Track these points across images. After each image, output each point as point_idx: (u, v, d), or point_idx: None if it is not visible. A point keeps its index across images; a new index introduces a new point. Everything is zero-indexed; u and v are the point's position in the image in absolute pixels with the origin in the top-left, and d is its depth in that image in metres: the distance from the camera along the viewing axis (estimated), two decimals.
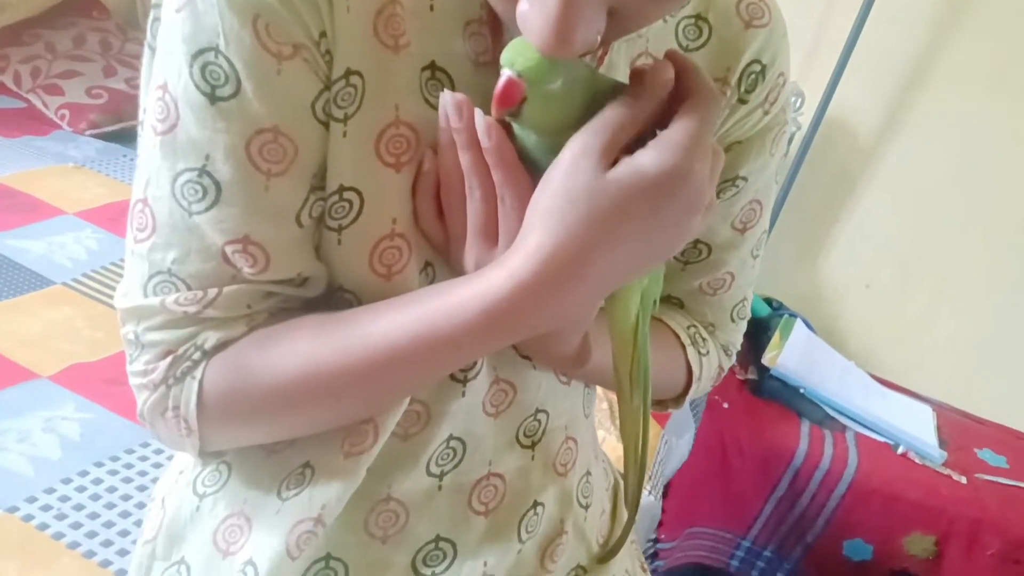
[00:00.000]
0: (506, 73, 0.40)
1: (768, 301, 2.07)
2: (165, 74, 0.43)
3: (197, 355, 0.47)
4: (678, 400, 0.69)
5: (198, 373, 0.47)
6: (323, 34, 0.43)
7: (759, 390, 1.79)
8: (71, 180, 1.57)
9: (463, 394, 0.53)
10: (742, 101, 0.56)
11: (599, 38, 0.39)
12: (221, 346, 0.48)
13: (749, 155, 0.59)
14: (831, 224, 2.02)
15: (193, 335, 0.47)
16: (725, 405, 1.71)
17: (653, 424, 1.30)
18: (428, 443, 0.53)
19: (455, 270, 0.48)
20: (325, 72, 0.44)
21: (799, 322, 1.96)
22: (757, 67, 0.56)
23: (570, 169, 0.40)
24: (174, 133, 0.43)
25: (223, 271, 0.46)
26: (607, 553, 0.63)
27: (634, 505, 0.62)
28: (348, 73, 0.44)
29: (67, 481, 0.86)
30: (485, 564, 0.55)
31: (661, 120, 0.42)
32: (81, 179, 1.59)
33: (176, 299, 0.46)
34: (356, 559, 0.53)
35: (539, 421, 0.58)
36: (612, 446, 1.18)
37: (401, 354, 0.45)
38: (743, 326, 0.71)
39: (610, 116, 0.41)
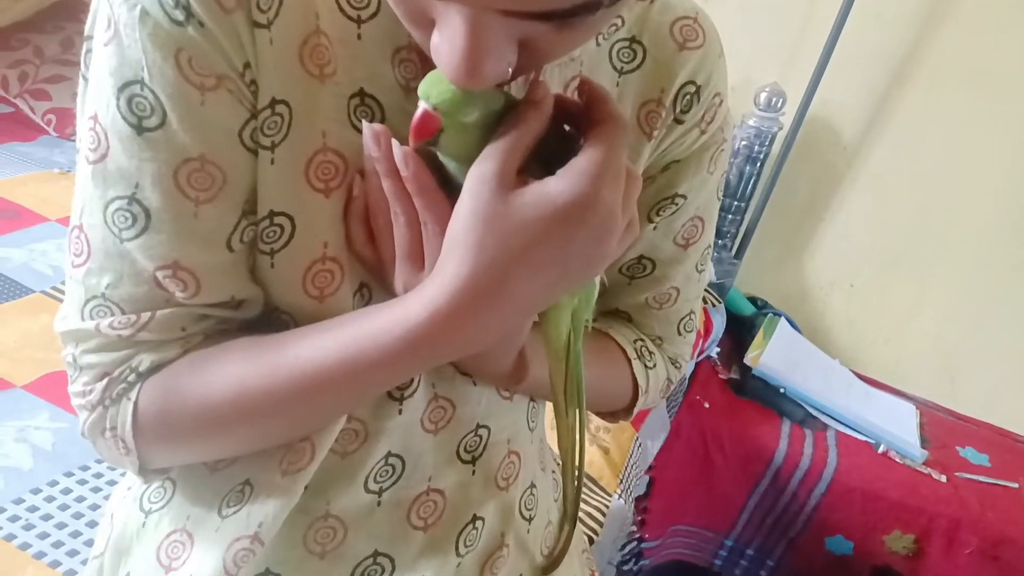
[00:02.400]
0: (422, 106, 0.41)
1: (753, 300, 2.08)
2: (95, 105, 0.45)
3: (132, 377, 0.49)
4: (627, 412, 0.71)
5: (133, 395, 0.49)
6: (247, 65, 0.44)
7: (741, 390, 1.80)
8: (56, 186, 1.58)
9: (400, 412, 0.54)
10: (678, 121, 0.58)
11: (510, 70, 0.40)
12: (155, 368, 0.49)
13: (687, 174, 0.61)
14: (815, 223, 2.02)
15: (128, 358, 0.49)
16: (707, 405, 1.72)
17: (627, 428, 1.31)
18: (366, 460, 0.54)
19: (389, 292, 0.49)
20: (251, 101, 0.45)
21: (783, 321, 1.97)
22: (692, 88, 0.57)
23: (473, 197, 0.42)
24: (105, 163, 0.45)
25: (156, 295, 0.47)
26: (550, 564, 0.64)
27: (572, 517, 0.63)
28: (274, 102, 0.45)
29: (36, 491, 0.87)
30: None
31: (569, 143, 0.43)
32: (66, 185, 1.60)
33: (111, 323, 0.47)
34: (294, 574, 0.54)
35: (480, 436, 0.59)
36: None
37: (327, 376, 0.46)
38: (691, 339, 0.73)
39: (499, 141, 0.42)
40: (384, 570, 0.56)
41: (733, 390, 1.81)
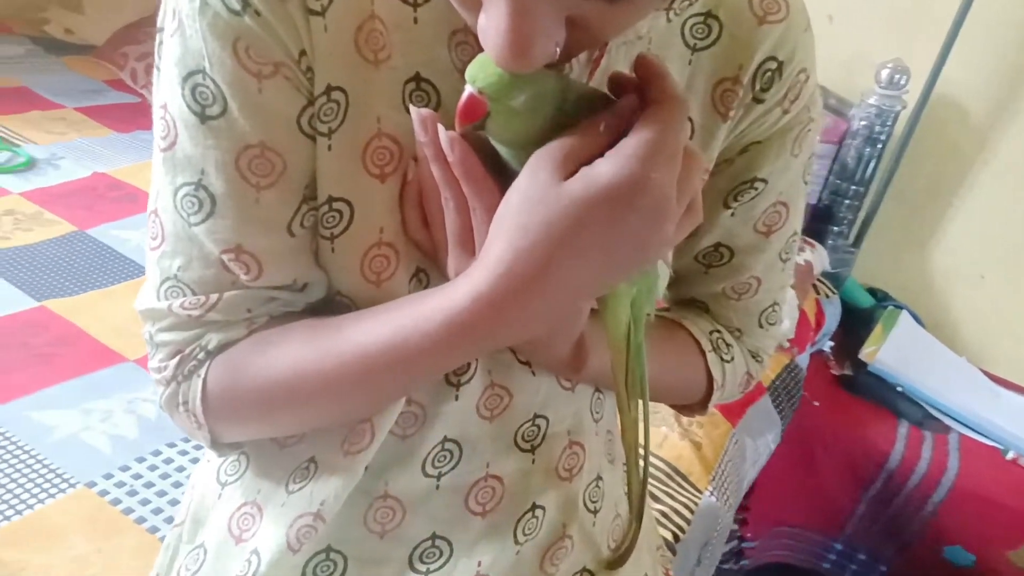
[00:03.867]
0: (468, 89, 0.40)
1: (872, 292, 1.96)
2: (165, 94, 0.47)
3: (201, 355, 0.51)
4: (702, 406, 0.68)
5: (202, 372, 0.51)
6: (303, 52, 0.45)
7: (854, 387, 1.70)
8: None
9: (456, 397, 0.54)
10: (757, 100, 0.54)
11: (558, 50, 0.38)
12: (222, 347, 0.51)
13: (768, 156, 0.57)
14: (941, 209, 1.88)
15: (198, 337, 0.51)
16: (816, 403, 1.64)
17: (721, 422, 1.26)
18: (424, 444, 0.54)
19: (446, 277, 0.49)
20: (308, 88, 0.46)
21: (904, 314, 1.85)
22: (773, 64, 0.53)
23: (527, 181, 0.41)
24: (174, 150, 0.47)
25: (223, 277, 0.49)
26: (615, 559, 0.62)
27: (637, 514, 0.61)
28: (329, 89, 0.46)
29: (140, 460, 0.93)
30: (480, 564, 0.56)
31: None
32: None
33: (182, 303, 0.49)
34: (355, 552, 0.55)
35: (538, 427, 0.57)
36: (673, 444, 1.15)
37: (374, 362, 0.46)
38: (775, 332, 0.69)
39: (575, 134, 0.41)
40: (442, 553, 0.56)
41: (845, 387, 1.72)
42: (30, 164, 1.59)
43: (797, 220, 0.63)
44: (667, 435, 1.17)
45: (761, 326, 0.67)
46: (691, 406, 0.69)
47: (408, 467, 0.54)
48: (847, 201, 1.84)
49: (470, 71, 0.40)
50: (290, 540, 0.52)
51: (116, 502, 0.86)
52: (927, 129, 1.79)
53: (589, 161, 0.40)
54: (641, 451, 0.57)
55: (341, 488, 0.52)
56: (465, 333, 0.43)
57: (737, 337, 0.67)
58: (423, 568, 0.55)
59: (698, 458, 1.12)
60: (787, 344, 1.52)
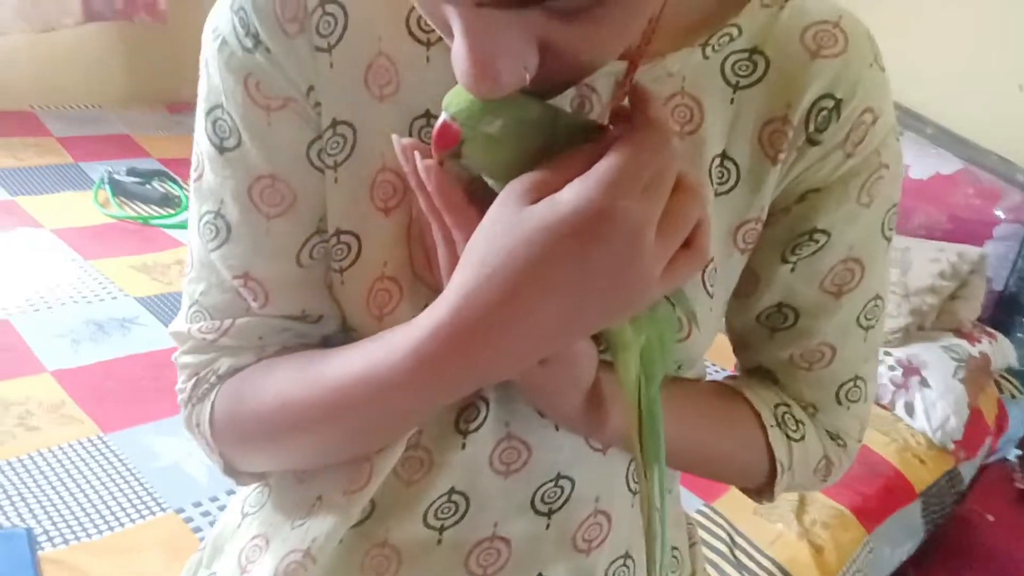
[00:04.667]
0: (442, 116, 0.40)
1: None
2: (197, 134, 0.50)
3: (213, 379, 0.52)
4: (767, 491, 0.59)
5: (212, 396, 0.52)
6: (311, 87, 0.46)
7: None
8: None
9: (463, 446, 0.51)
10: (812, 142, 0.49)
11: (527, 75, 0.37)
12: (232, 373, 0.52)
13: (829, 205, 0.51)
14: None
15: (212, 361, 0.52)
16: (990, 517, 1.41)
17: (855, 525, 1.12)
18: (427, 492, 0.52)
19: None
20: (316, 122, 0.47)
21: None
22: (829, 102, 0.48)
23: (495, 209, 0.39)
24: (201, 181, 0.50)
25: (236, 304, 0.51)
26: None
27: None
28: (336, 123, 0.47)
29: (231, 492, 0.96)
30: None
31: None
32: None
33: (200, 327, 0.52)
34: None
35: (560, 488, 0.53)
36: (788, 543, 1.02)
37: (350, 394, 0.45)
38: (859, 412, 0.59)
39: (549, 164, 0.39)
40: None
41: None
42: None
43: (878, 282, 0.55)
44: (782, 532, 1.05)
45: (840, 403, 0.58)
46: (755, 490, 0.61)
47: (410, 515, 0.52)
48: None
49: (446, 98, 0.40)
50: (278, 575, 0.51)
51: (197, 529, 0.90)
52: None
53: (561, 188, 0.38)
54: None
55: (333, 528, 0.51)
56: (430, 365, 0.41)
57: (811, 415, 0.59)
58: None
59: (817, 563, 0.99)
60: (952, 446, 1.33)
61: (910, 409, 1.39)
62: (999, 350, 1.54)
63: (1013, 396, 1.57)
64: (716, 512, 1.07)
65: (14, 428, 1.03)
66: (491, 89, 0.36)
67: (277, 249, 0.48)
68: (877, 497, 1.16)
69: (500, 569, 0.52)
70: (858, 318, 0.55)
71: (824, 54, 0.48)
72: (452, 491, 0.51)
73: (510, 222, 0.38)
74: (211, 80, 0.47)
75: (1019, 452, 1.57)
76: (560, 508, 0.53)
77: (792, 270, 0.53)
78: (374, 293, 0.48)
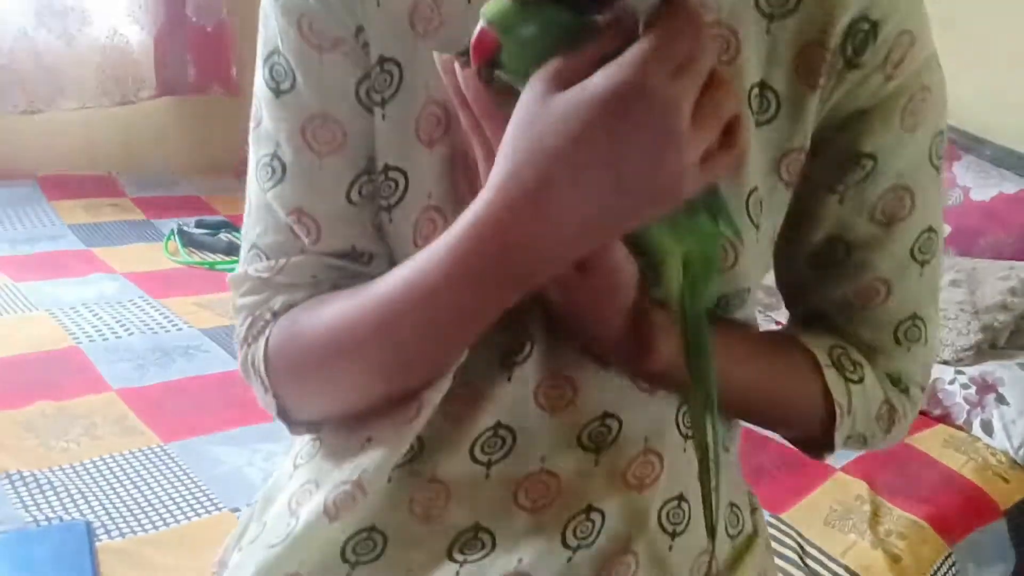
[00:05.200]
0: (479, 24, 0.41)
1: None
2: (256, 83, 0.53)
3: (268, 316, 0.54)
4: (825, 443, 0.57)
5: (267, 332, 0.53)
6: (360, 28, 0.49)
7: None
8: None
9: (509, 379, 0.51)
10: (852, 65, 0.49)
11: None
12: (286, 309, 0.53)
13: (873, 128, 0.51)
14: None
15: (268, 299, 0.54)
16: None
17: (934, 537, 1.05)
18: (474, 427, 0.52)
19: None
20: (365, 62, 0.50)
21: None
22: (865, 25, 0.48)
23: (523, 101, 0.40)
24: (259, 128, 0.53)
25: (291, 243, 0.52)
26: None
27: (710, 532, 0.51)
28: (383, 60, 0.49)
29: None
30: (520, 561, 0.50)
31: None
32: None
33: (256, 267, 0.54)
34: (396, 534, 0.52)
35: (608, 427, 0.52)
36: (862, 552, 0.96)
37: (398, 303, 0.46)
38: (921, 355, 0.57)
39: (570, 52, 0.39)
40: (484, 545, 0.51)
41: None
42: None
43: (931, 213, 0.54)
44: (855, 543, 0.99)
45: (899, 343, 0.56)
46: (811, 442, 0.58)
47: (457, 450, 0.52)
48: None
49: (484, 8, 0.41)
50: (327, 506, 0.51)
51: None
52: None
53: (588, 74, 0.38)
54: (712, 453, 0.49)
55: (383, 459, 0.50)
56: (470, 261, 0.42)
57: (869, 357, 0.57)
58: (460, 558, 0.51)
59: (893, 572, 0.92)
60: None
61: (988, 428, 1.32)
62: None
63: None
64: (784, 523, 1.02)
65: (79, 437, 1.07)
66: None
67: (328, 185, 0.50)
68: (957, 511, 1.10)
69: (550, 503, 0.51)
70: (912, 251, 0.54)
71: None
72: (499, 425, 0.51)
73: (538, 111, 0.39)
74: (268, 27, 0.50)
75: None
76: (609, 446, 0.52)
77: (840, 201, 0.53)
78: (420, 224, 0.50)
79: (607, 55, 0.38)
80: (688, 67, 0.37)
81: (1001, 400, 1.33)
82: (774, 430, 0.61)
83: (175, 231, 1.89)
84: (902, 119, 0.50)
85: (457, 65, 0.44)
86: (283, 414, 0.56)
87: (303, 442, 0.61)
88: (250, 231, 0.54)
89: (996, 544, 1.13)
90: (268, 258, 0.53)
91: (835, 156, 0.52)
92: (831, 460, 1.16)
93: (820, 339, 0.56)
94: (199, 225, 1.95)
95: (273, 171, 0.51)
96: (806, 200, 0.54)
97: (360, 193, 0.51)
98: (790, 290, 0.59)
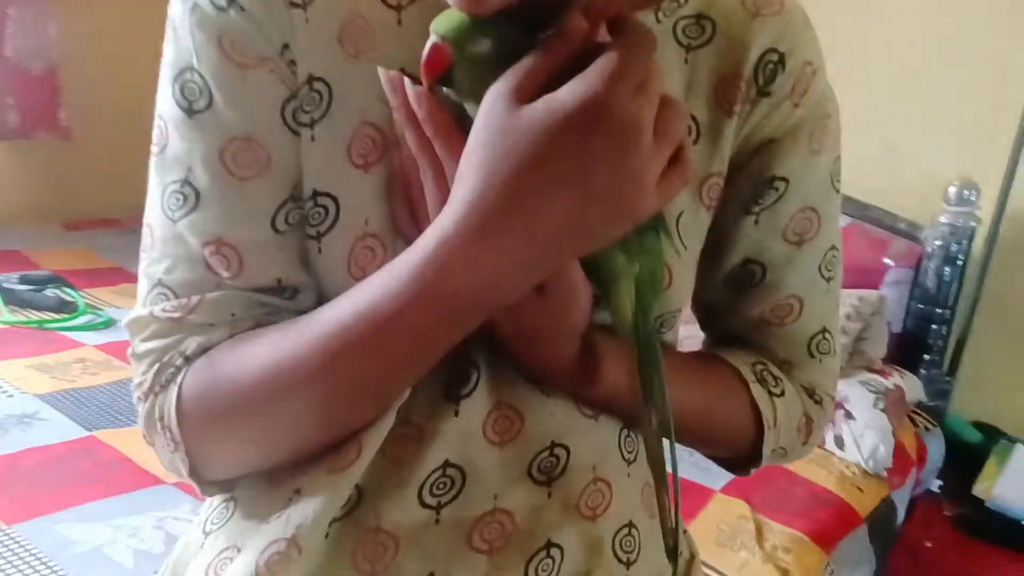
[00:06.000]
0: (431, 38, 0.40)
1: (980, 427, 1.77)
2: (160, 104, 0.48)
3: (179, 361, 0.48)
4: (752, 458, 0.59)
5: (179, 379, 0.48)
6: (286, 46, 0.46)
7: (974, 528, 1.49)
8: None
9: (456, 413, 0.49)
10: (763, 94, 0.52)
11: None
12: (201, 351, 0.48)
13: (784, 152, 0.54)
14: None
15: (178, 342, 0.48)
16: (928, 544, 1.44)
17: (814, 549, 1.11)
18: (421, 468, 0.48)
19: None
20: (291, 80, 0.46)
21: (1020, 448, 1.65)
22: (774, 56, 0.52)
23: (484, 115, 0.39)
24: (164, 153, 0.48)
25: (206, 278, 0.47)
26: None
27: (672, 551, 0.51)
28: (311, 79, 0.46)
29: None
30: None
31: None
32: None
33: (163, 307, 0.48)
34: None
35: (556, 457, 0.51)
36: (755, 570, 1.00)
37: (349, 335, 0.43)
38: (830, 366, 0.60)
39: (520, 63, 0.39)
40: None
41: (963, 529, 1.51)
42: (109, 324, 1.67)
43: (833, 233, 0.58)
44: (747, 560, 1.03)
45: (812, 355, 0.59)
46: (740, 460, 0.60)
47: (403, 495, 0.48)
48: (933, 326, 1.72)
49: (434, 24, 0.40)
50: (259, 570, 0.45)
51: None
52: (1010, 247, 1.70)
53: (546, 88, 0.38)
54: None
55: (321, 508, 0.46)
56: (434, 284, 0.40)
57: (786, 371, 0.59)
58: None
59: None
60: (884, 473, 1.37)
61: (840, 442, 1.43)
62: (910, 384, 1.62)
63: (927, 429, 1.64)
64: None
65: None
66: (483, 4, 0.37)
67: (251, 212, 0.46)
68: (829, 522, 1.18)
69: (507, 543, 0.49)
70: (820, 268, 0.57)
71: (764, 13, 0.52)
72: (447, 464, 0.49)
73: (506, 124, 0.38)
74: (179, 43, 0.46)
75: (940, 482, 1.63)
76: (559, 476, 0.51)
77: (756, 222, 0.55)
78: (356, 253, 0.47)
79: (563, 69, 0.39)
80: (646, 85, 0.38)
81: (849, 415, 1.44)
82: (705, 449, 0.62)
83: None
84: (809, 143, 0.53)
85: (408, 82, 0.43)
86: (194, 474, 0.50)
87: (211, 506, 0.55)
88: (153, 267, 0.48)
89: (860, 549, 1.22)
90: (177, 296, 0.47)
91: (751, 179, 0.54)
92: (708, 482, 1.21)
93: (740, 356, 0.58)
94: (23, 281, 1.76)
95: (185, 198, 0.46)
96: (724, 223, 0.56)
97: (287, 221, 0.47)
98: (707, 312, 0.61)
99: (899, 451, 1.44)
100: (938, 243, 1.69)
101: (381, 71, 0.44)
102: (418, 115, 0.43)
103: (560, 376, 0.50)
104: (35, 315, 1.66)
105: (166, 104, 0.47)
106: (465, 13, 0.39)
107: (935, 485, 1.61)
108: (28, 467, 1.08)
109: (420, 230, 0.46)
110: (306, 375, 0.44)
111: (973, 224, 1.67)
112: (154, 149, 0.48)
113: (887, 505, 1.35)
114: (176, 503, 1.01)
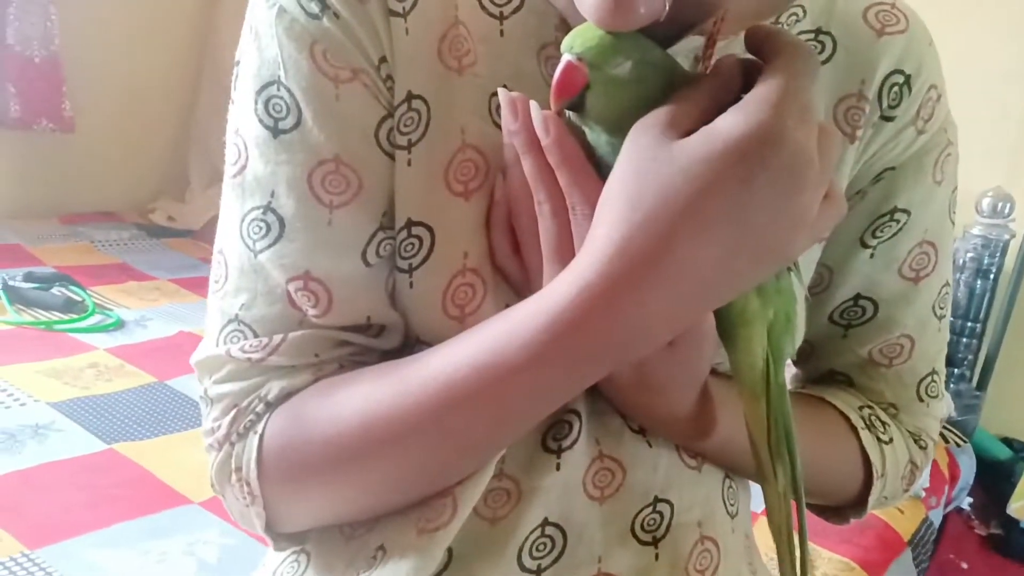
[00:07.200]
0: (565, 58, 0.36)
1: (1008, 442, 1.75)
2: (238, 119, 0.44)
3: (260, 408, 0.44)
4: (857, 507, 0.55)
5: (260, 427, 0.44)
6: (383, 59, 0.42)
7: (1006, 548, 1.47)
8: None
9: (557, 467, 0.45)
10: (886, 118, 0.49)
11: (666, 5, 0.34)
12: (284, 397, 0.44)
13: (907, 182, 0.51)
14: None
15: (258, 386, 0.44)
16: (964, 565, 1.42)
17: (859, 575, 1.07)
18: (518, 528, 0.44)
19: None
20: (387, 98, 0.43)
21: None
22: (899, 78, 0.48)
23: (632, 150, 0.35)
24: (243, 175, 0.43)
25: (289, 315, 0.43)
26: None
27: None
28: (410, 97, 0.43)
29: None
30: None
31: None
32: None
33: (242, 347, 0.44)
34: None
35: (660, 514, 0.47)
36: None
37: (462, 389, 0.39)
38: (938, 410, 0.57)
39: (675, 96, 0.36)
40: None
41: (996, 549, 1.49)
42: (119, 325, 1.62)
43: (947, 267, 0.54)
44: None
45: (921, 399, 0.56)
46: (843, 508, 0.56)
47: (501, 559, 0.44)
48: (964, 340, 1.70)
49: (566, 41, 0.36)
50: None
51: None
52: None
53: (699, 121, 0.35)
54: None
55: (411, 573, 0.42)
56: (571, 338, 0.36)
57: (892, 415, 0.56)
58: None
59: None
60: (923, 493, 1.34)
61: None
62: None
63: (958, 445, 1.61)
64: None
65: None
66: (628, 20, 0.34)
67: (341, 244, 0.42)
68: (875, 549, 1.15)
69: None
70: (934, 306, 0.54)
71: (889, 31, 0.48)
72: (546, 523, 0.44)
73: (659, 158, 0.34)
74: (264, 53, 0.41)
75: (971, 500, 1.60)
76: (664, 536, 0.47)
77: (872, 256, 0.52)
78: (453, 290, 0.42)
79: (721, 102, 0.35)
80: (811, 111, 0.34)
81: None
82: (808, 499, 0.58)
83: (1, 286, 1.63)
84: (933, 173, 0.51)
85: (534, 105, 0.39)
86: (269, 528, 0.46)
87: (279, 558, 0.51)
88: (228, 301, 0.44)
89: (906, 574, 1.18)
90: (257, 334, 0.43)
91: (869, 210, 0.51)
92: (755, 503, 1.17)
93: (847, 399, 0.54)
94: (28, 279, 1.70)
95: (268, 227, 0.42)
96: (832, 257, 0.52)
97: (378, 253, 0.43)
98: (806, 347, 0.57)
99: (933, 469, 1.41)
100: (970, 255, 1.66)
101: (502, 92, 0.40)
102: (542, 141, 0.38)
103: (674, 426, 0.46)
104: (42, 315, 1.60)
105: (247, 120, 0.42)
106: (604, 30, 0.35)
107: (966, 503, 1.58)
108: (46, 483, 1.03)
109: (523, 266, 0.42)
110: (410, 430, 0.40)
111: (1007, 237, 1.64)
112: (231, 169, 0.44)
113: (927, 526, 1.32)
114: (205, 526, 0.97)
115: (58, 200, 2.24)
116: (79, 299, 1.69)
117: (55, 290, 1.71)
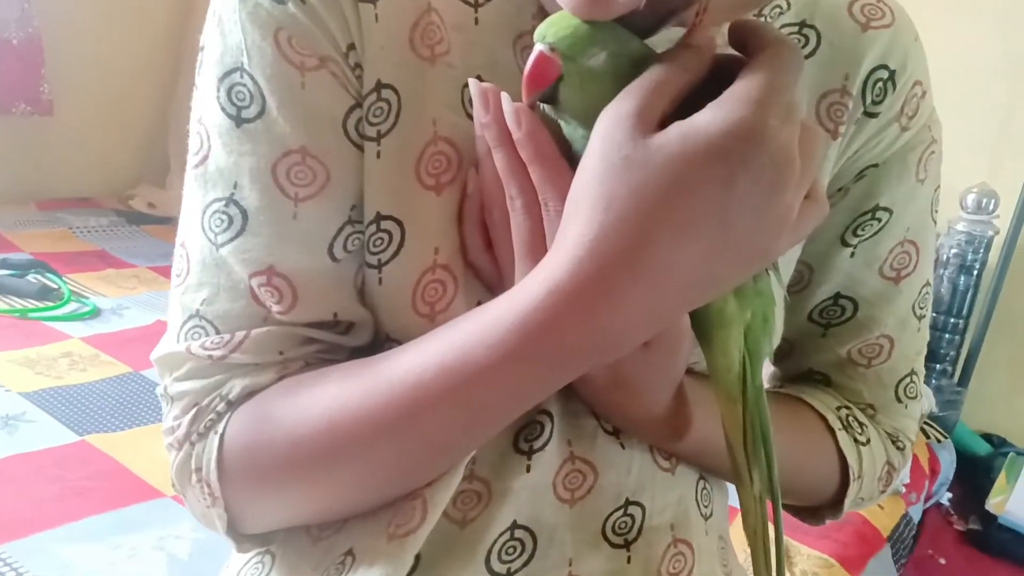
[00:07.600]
0: (537, 48, 0.35)
1: (987, 438, 1.76)
2: (200, 107, 0.43)
3: (221, 406, 0.43)
4: (833, 508, 0.54)
5: (221, 427, 0.42)
6: (351, 46, 0.41)
7: (985, 543, 1.48)
8: None
9: (528, 468, 0.44)
10: (870, 114, 0.48)
11: None
12: (247, 396, 0.43)
13: (889, 180, 0.50)
14: None
15: (219, 384, 0.43)
16: (942, 561, 1.43)
17: (841, 573, 1.07)
18: (488, 530, 0.43)
19: None
20: (356, 87, 0.41)
21: None
22: (884, 73, 0.47)
23: (602, 145, 0.33)
24: (205, 165, 0.42)
25: (252, 311, 0.42)
26: None
27: None
28: (380, 86, 0.41)
29: None
30: None
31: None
32: None
33: (203, 343, 0.42)
34: None
35: (631, 516, 0.46)
36: None
37: (431, 389, 0.38)
38: (915, 411, 0.56)
39: (643, 79, 0.34)
40: None
41: (974, 544, 1.50)
42: (95, 313, 1.59)
43: (928, 267, 0.54)
44: None
45: (899, 400, 0.55)
46: (819, 509, 0.55)
47: (470, 562, 0.43)
48: (947, 336, 1.70)
49: (539, 30, 0.35)
50: None
51: None
52: None
53: (673, 110, 0.33)
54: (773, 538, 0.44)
55: None
56: (541, 339, 0.35)
57: (870, 416, 0.55)
58: None
59: None
60: (903, 489, 1.34)
61: None
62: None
63: (939, 440, 1.62)
64: None
65: None
66: (606, 7, 0.32)
67: (307, 238, 0.41)
68: (854, 545, 1.15)
69: None
70: (914, 306, 0.53)
71: (874, 26, 0.47)
72: (515, 526, 0.44)
73: (633, 156, 0.32)
74: (227, 39, 0.40)
75: (950, 495, 1.61)
76: (636, 539, 0.46)
77: (853, 255, 0.51)
78: (423, 287, 0.41)
79: (693, 92, 0.34)
80: (794, 109, 0.33)
81: None
82: (783, 499, 0.58)
83: None
84: (916, 171, 0.50)
85: (505, 96, 0.37)
86: (231, 530, 0.45)
87: (243, 559, 0.50)
88: (189, 296, 0.43)
89: (886, 570, 1.19)
90: (219, 331, 0.42)
91: (851, 208, 0.50)
92: (731, 501, 1.16)
93: (822, 399, 0.54)
94: (3, 265, 1.67)
95: (230, 220, 0.41)
96: (813, 255, 0.52)
97: (345, 248, 0.42)
98: (784, 345, 0.56)
99: (914, 464, 1.41)
100: (954, 251, 1.66)
101: (473, 82, 0.39)
102: (514, 134, 0.37)
103: (649, 427, 0.45)
104: (17, 303, 1.57)
105: (209, 109, 0.41)
106: (580, 19, 0.34)
107: (945, 498, 1.59)
108: (16, 476, 1.01)
109: (495, 262, 0.41)
110: (378, 431, 0.39)
111: (990, 233, 1.64)
112: (192, 159, 0.42)
113: (906, 522, 1.32)
114: (176, 519, 0.95)
115: (35, 185, 2.20)
116: (55, 287, 1.67)
117: (31, 277, 1.68)
